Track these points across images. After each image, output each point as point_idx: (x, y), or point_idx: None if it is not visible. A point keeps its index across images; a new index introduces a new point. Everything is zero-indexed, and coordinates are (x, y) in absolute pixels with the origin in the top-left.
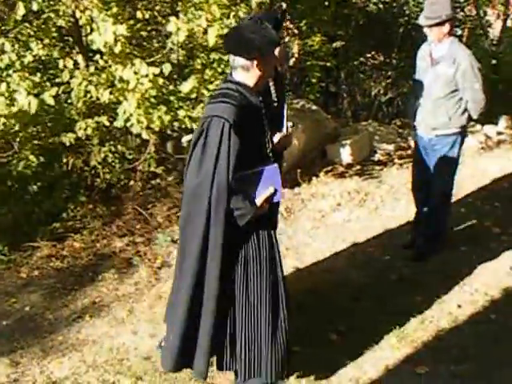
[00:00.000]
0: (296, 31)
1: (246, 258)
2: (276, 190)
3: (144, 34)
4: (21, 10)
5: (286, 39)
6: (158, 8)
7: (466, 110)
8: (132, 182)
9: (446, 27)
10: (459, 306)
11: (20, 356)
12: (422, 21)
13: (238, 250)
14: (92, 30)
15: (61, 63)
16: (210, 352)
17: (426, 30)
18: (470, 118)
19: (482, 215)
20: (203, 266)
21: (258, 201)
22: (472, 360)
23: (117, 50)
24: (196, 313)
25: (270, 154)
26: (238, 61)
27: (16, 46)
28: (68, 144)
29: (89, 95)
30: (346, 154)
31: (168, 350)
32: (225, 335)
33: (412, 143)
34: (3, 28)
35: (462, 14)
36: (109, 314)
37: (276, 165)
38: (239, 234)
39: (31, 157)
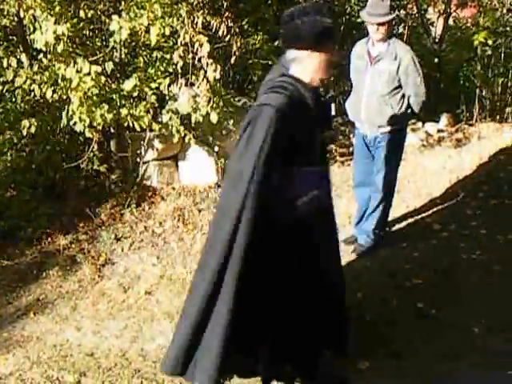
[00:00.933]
0: (237, 30)
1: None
2: (320, 194)
3: (87, 32)
4: None
5: (227, 38)
6: (100, 7)
7: (408, 105)
8: (75, 180)
9: (391, 25)
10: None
11: None
12: (371, 18)
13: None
14: (35, 29)
15: (5, 62)
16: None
17: (371, 27)
18: (412, 114)
19: (422, 212)
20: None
21: (300, 202)
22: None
23: (59, 48)
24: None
25: (319, 151)
26: (290, 53)
27: None
28: (15, 142)
29: (32, 94)
30: None
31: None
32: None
33: (353, 140)
34: None
35: (403, 11)
36: (52, 311)
37: (323, 168)
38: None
39: None
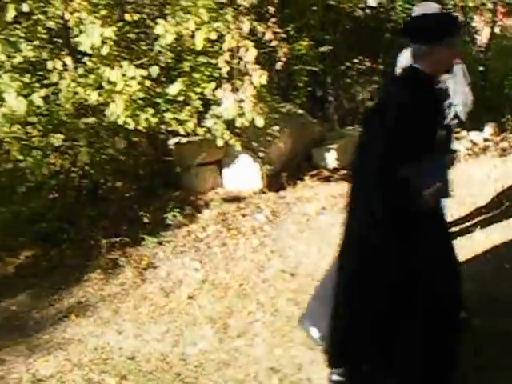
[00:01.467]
0: (284, 35)
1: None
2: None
3: (132, 36)
4: (11, 13)
5: (274, 43)
6: (146, 11)
7: (455, 114)
8: (119, 184)
9: None
10: None
11: (6, 354)
12: None
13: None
14: (80, 31)
15: (50, 65)
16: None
17: None
18: (459, 123)
19: (466, 221)
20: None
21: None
22: None
23: (104, 52)
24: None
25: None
26: (416, 48)
27: (6, 47)
28: (56, 145)
29: (77, 96)
30: (331, 159)
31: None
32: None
33: None
34: None
35: None
36: (94, 314)
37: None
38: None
39: (20, 157)
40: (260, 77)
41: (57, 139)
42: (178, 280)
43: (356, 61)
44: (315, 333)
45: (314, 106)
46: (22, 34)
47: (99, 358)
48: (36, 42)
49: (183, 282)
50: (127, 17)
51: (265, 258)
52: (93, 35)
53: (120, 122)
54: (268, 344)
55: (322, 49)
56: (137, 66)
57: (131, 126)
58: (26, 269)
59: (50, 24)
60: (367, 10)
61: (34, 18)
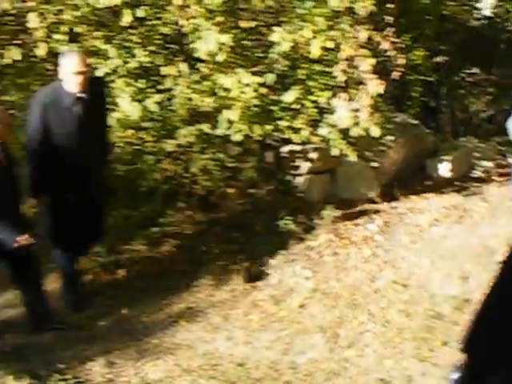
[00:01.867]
0: (401, 45)
1: None
2: None
3: (247, 43)
4: (126, 18)
5: (391, 53)
6: (261, 18)
7: None
8: (230, 190)
9: None
10: None
11: (116, 357)
12: None
13: None
14: (197, 38)
15: (164, 70)
16: None
17: None
18: None
19: None
20: None
21: None
22: None
23: (220, 58)
24: None
25: None
26: None
27: (120, 52)
28: (169, 150)
29: (191, 103)
30: (444, 170)
31: None
32: None
33: (510, 160)
34: (108, 34)
35: None
36: (204, 320)
37: None
38: None
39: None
40: (376, 86)
41: (170, 145)
42: (288, 288)
43: (470, 71)
44: None
45: (428, 117)
46: (137, 40)
47: (208, 364)
48: (151, 48)
49: (294, 290)
50: (242, 24)
51: (376, 269)
52: (209, 42)
53: (234, 128)
54: (378, 355)
55: (437, 59)
56: (252, 73)
57: (245, 133)
58: (135, 272)
59: (165, 30)
60: (482, 21)
61: (149, 23)
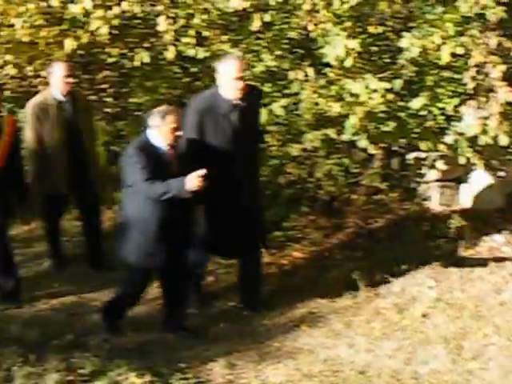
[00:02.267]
0: None
1: None
2: None
3: (375, 48)
4: (256, 22)
5: None
6: (389, 23)
7: None
8: (355, 196)
9: None
10: None
11: (236, 358)
12: None
13: None
14: (325, 43)
15: (291, 75)
16: None
17: None
18: None
19: None
20: None
21: None
22: None
23: (348, 63)
24: None
25: None
26: None
27: (248, 55)
28: (294, 154)
29: (317, 107)
30: None
31: None
32: None
33: None
34: (235, 38)
35: None
36: (325, 326)
37: None
38: None
39: None
40: (506, 94)
41: (295, 149)
42: (411, 297)
43: None
44: None
45: None
46: (264, 44)
47: (329, 370)
48: (278, 52)
49: (417, 299)
50: (371, 29)
51: (502, 280)
52: (337, 47)
53: (360, 134)
54: (503, 369)
55: None
56: (379, 79)
57: (371, 139)
58: None
59: (292, 34)
60: None
61: (277, 28)
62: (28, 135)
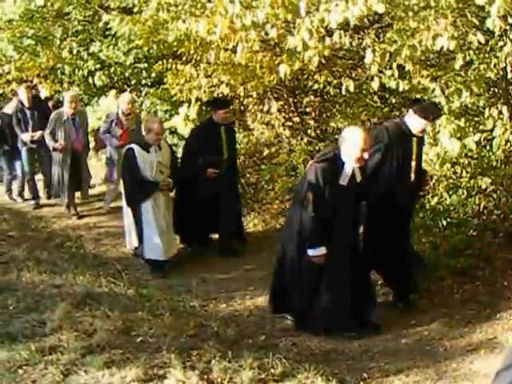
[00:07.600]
0: None
1: None
2: None
3: None
4: (460, 61)
5: None
6: None
7: None
8: None
9: None
10: None
11: (414, 374)
12: None
13: None
14: None
15: (486, 112)
16: None
17: None
18: None
19: None
20: None
21: None
22: None
23: None
24: None
25: None
26: None
27: (448, 90)
28: (483, 187)
29: (509, 144)
30: None
31: None
32: None
33: None
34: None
35: None
36: (502, 351)
37: None
38: None
39: (444, 194)
40: None
41: (484, 182)
42: None
43: None
44: None
45: None
46: (462, 81)
47: None
48: (475, 90)
49: None
50: None
51: None
52: None
53: None
54: None
55: None
56: None
57: None
58: (439, 298)
59: (490, 74)
60: None
61: (474, 67)
62: None
